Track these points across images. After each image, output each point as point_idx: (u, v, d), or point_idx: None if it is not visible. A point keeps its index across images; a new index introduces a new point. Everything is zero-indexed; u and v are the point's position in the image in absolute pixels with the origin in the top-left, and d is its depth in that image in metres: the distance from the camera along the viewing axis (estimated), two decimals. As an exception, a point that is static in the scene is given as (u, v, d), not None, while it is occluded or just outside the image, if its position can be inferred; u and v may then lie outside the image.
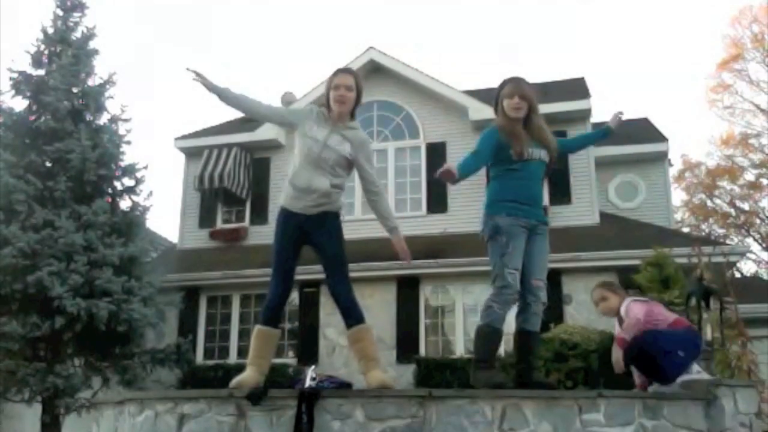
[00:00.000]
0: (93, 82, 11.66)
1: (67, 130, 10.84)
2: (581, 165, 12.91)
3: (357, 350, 4.05)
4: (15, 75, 11.21)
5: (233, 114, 15.91)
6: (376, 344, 4.16)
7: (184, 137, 15.04)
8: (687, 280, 7.90)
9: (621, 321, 4.65)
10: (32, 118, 11.16)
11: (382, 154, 13.68)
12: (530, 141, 4.23)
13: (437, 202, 13.26)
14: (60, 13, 11.76)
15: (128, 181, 11.38)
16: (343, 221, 4.26)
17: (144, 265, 11.09)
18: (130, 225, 11.02)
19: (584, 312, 10.52)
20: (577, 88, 14.21)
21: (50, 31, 11.60)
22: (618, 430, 3.78)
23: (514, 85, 4.29)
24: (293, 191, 4.11)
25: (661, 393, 4.20)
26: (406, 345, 11.50)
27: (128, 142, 11.46)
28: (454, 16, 49.06)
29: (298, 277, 4.30)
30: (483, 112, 12.28)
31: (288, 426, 3.52)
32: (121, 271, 10.24)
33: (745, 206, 26.07)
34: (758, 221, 26.04)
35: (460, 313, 11.72)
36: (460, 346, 11.49)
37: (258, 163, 14.47)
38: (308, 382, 3.85)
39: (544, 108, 10.74)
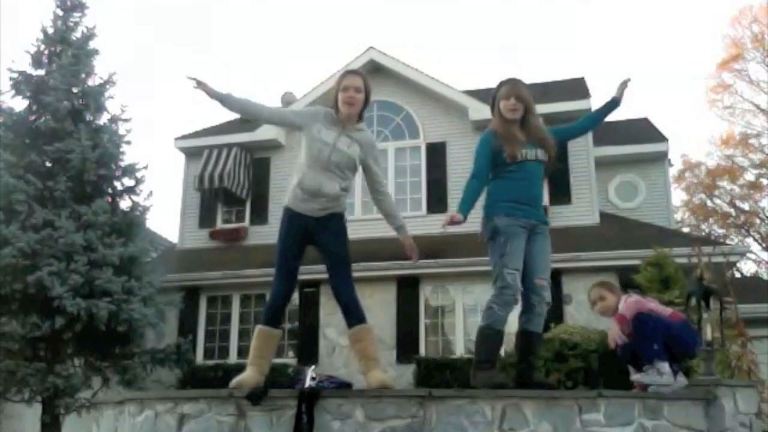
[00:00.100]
0: (93, 82, 11.66)
1: (67, 130, 10.84)
2: (581, 165, 12.92)
3: (357, 350, 4.06)
4: (15, 75, 11.20)
5: (233, 114, 15.87)
6: (376, 344, 4.17)
7: (184, 137, 15.04)
8: (687, 280, 7.88)
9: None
10: (32, 118, 11.15)
11: (382, 154, 13.62)
12: (525, 142, 4.24)
13: (437, 202, 13.25)
14: (60, 13, 11.75)
15: (128, 181, 11.40)
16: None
17: (144, 265, 11.09)
18: (130, 225, 11.02)
19: (584, 312, 10.49)
20: (577, 88, 14.20)
21: (50, 31, 11.59)
22: (618, 430, 3.78)
23: (510, 86, 4.31)
24: (302, 193, 4.09)
25: (662, 393, 4.20)
26: (406, 345, 11.51)
27: (128, 142, 11.46)
28: (454, 16, 49.09)
29: (298, 277, 4.29)
30: (483, 112, 12.26)
31: (288, 426, 3.53)
32: (121, 271, 10.23)
33: (745, 206, 26.07)
34: (758, 221, 26.03)
35: (460, 313, 11.72)
36: (460, 346, 11.49)
37: (258, 163, 14.46)
38: (308, 382, 3.85)
39: (545, 108, 10.88)
